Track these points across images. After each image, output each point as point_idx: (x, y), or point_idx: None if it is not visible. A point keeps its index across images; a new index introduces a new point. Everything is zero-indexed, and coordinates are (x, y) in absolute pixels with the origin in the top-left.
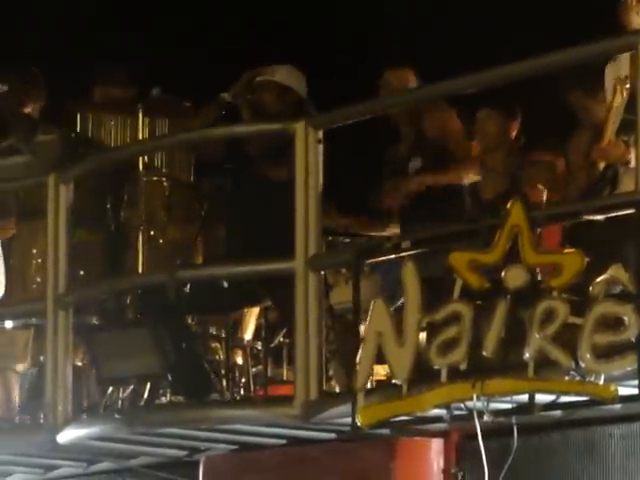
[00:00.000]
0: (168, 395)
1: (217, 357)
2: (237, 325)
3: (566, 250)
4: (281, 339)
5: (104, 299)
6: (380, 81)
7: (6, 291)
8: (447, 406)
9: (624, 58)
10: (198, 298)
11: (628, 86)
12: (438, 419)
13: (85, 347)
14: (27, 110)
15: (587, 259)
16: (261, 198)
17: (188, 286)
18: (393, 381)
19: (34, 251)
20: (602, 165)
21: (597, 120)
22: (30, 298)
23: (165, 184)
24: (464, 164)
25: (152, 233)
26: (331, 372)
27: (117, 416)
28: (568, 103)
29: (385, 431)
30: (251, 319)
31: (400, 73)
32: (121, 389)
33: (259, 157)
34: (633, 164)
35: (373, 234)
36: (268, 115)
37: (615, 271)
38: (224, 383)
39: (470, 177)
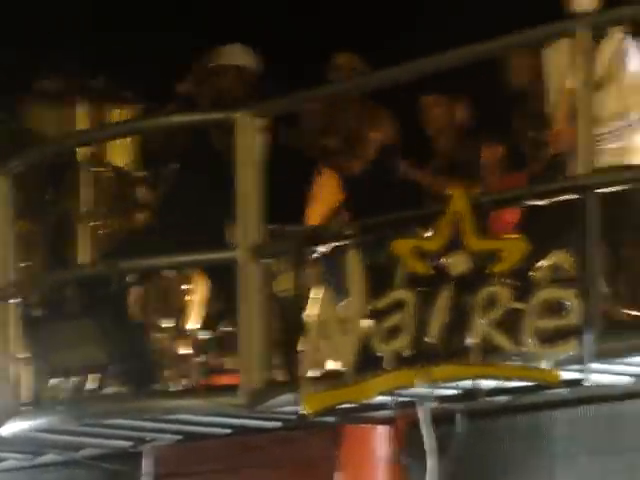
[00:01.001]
0: (113, 386)
1: (161, 347)
2: (181, 314)
3: (509, 236)
4: (224, 328)
5: (47, 290)
6: (329, 65)
7: None
8: (392, 393)
9: (565, 42)
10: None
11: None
12: (383, 406)
13: (29, 339)
14: None
15: (531, 245)
16: (205, 188)
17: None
18: (338, 369)
19: None
20: (551, 151)
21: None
22: None
23: (107, 174)
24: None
25: (93, 224)
26: (275, 360)
27: (62, 407)
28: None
29: (330, 419)
30: (195, 308)
31: (348, 57)
32: (65, 380)
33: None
34: None
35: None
36: (231, 99)
37: (558, 256)
38: (169, 373)
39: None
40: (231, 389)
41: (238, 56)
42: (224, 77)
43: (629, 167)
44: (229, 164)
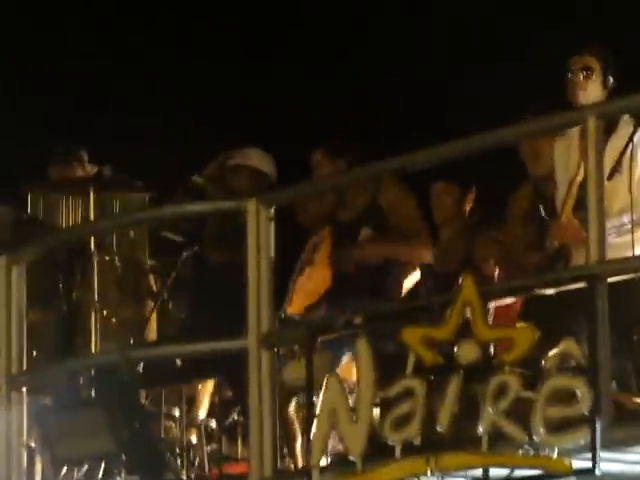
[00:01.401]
0: (123, 475)
1: (171, 436)
2: (191, 403)
3: (518, 325)
4: (235, 417)
5: (59, 379)
6: (312, 161)
7: None
8: None
9: (573, 132)
10: (152, 374)
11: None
12: None
13: (39, 427)
14: None
15: (539, 333)
16: (215, 277)
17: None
18: (348, 457)
19: None
20: (556, 244)
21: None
22: None
23: (117, 263)
24: (417, 240)
25: (105, 312)
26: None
27: None
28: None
29: None
30: (205, 397)
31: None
32: (76, 469)
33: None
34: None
35: None
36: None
37: (567, 345)
38: (179, 462)
39: (422, 255)
40: (241, 478)
41: (257, 159)
42: (240, 176)
43: (635, 257)
44: (240, 253)
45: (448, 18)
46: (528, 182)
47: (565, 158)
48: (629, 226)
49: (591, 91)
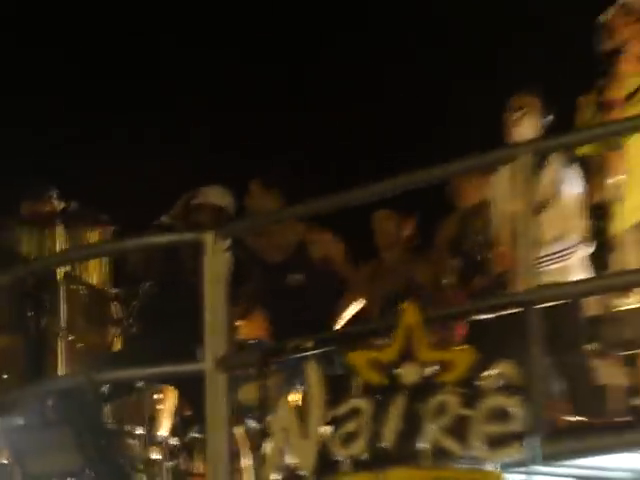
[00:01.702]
0: None
1: (134, 452)
2: (153, 422)
3: (458, 347)
4: (194, 434)
5: (27, 400)
6: (250, 192)
7: None
8: None
9: (508, 168)
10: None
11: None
12: None
13: (10, 445)
14: None
15: (478, 355)
16: (174, 303)
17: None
18: (299, 472)
19: None
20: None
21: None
22: None
23: (83, 292)
24: (352, 292)
25: (71, 338)
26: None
27: None
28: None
29: None
30: (166, 416)
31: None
32: None
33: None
34: None
35: None
36: None
37: (503, 366)
38: (141, 477)
39: (356, 304)
40: None
41: (220, 197)
42: (202, 214)
43: (566, 283)
44: (197, 282)
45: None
46: (456, 212)
47: (500, 191)
48: (562, 254)
49: (526, 129)
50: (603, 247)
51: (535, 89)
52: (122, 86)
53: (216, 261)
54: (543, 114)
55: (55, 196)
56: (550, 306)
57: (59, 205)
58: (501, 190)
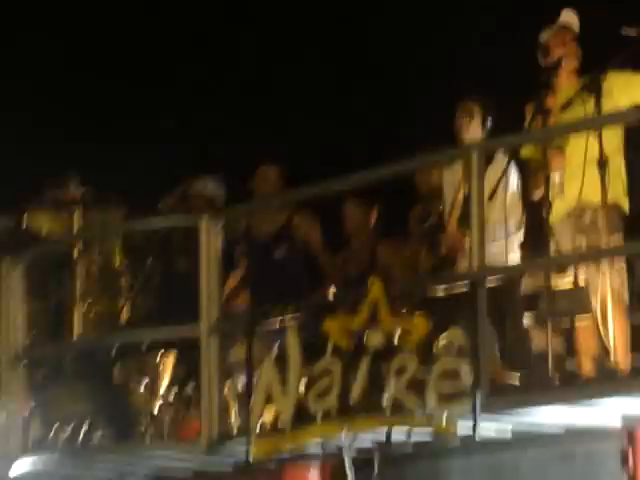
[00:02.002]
0: (101, 431)
1: (139, 403)
2: (155, 378)
3: (415, 316)
4: (190, 390)
5: (50, 357)
6: (255, 178)
7: None
8: (323, 442)
9: (458, 165)
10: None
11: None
12: (314, 454)
13: (35, 394)
14: None
15: (432, 323)
16: (177, 276)
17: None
18: (279, 423)
19: None
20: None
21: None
22: None
23: (96, 266)
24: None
25: (86, 305)
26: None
27: (61, 450)
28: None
29: (273, 463)
30: (166, 374)
31: (270, 170)
32: (64, 428)
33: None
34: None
35: None
36: None
37: (453, 333)
38: (145, 425)
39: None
40: (193, 439)
41: (213, 188)
42: (197, 202)
43: (511, 265)
44: (194, 259)
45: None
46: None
47: (451, 183)
48: (503, 235)
49: (472, 131)
50: (542, 234)
51: (480, 96)
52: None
53: (210, 241)
54: (487, 118)
55: (76, 184)
56: (494, 282)
57: (78, 190)
58: (452, 182)
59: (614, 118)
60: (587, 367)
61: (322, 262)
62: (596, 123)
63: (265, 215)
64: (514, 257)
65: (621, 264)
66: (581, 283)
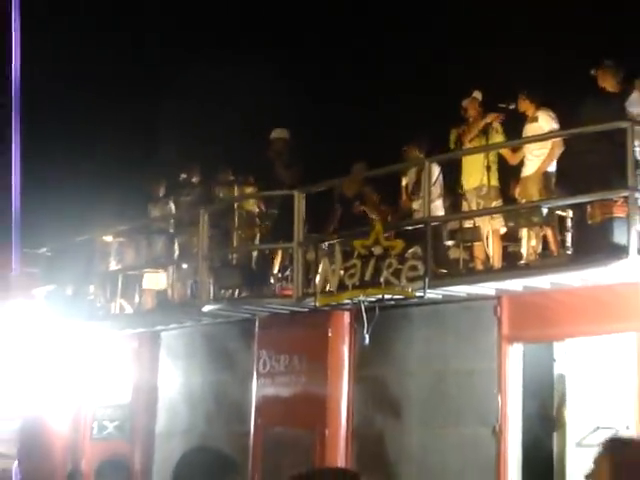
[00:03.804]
0: (245, 293)
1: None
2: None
3: (396, 240)
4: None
5: (221, 257)
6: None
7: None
8: (351, 299)
9: (412, 169)
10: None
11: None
12: (346, 305)
13: (214, 274)
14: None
15: (405, 243)
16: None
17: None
18: (330, 288)
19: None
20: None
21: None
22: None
23: (244, 213)
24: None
25: (241, 232)
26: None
27: (226, 302)
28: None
29: (327, 308)
30: (277, 260)
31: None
32: (226, 291)
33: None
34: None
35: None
36: (278, 153)
37: (414, 248)
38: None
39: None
40: (290, 296)
41: (281, 133)
42: (276, 144)
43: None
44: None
45: None
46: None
47: (409, 178)
48: (435, 205)
49: (415, 155)
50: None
51: (423, 139)
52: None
53: (299, 206)
54: (424, 146)
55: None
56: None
57: (229, 175)
58: (409, 178)
59: (496, 146)
60: (478, 265)
61: (369, 213)
62: (487, 149)
63: (349, 185)
64: (440, 212)
65: (499, 217)
66: (478, 224)
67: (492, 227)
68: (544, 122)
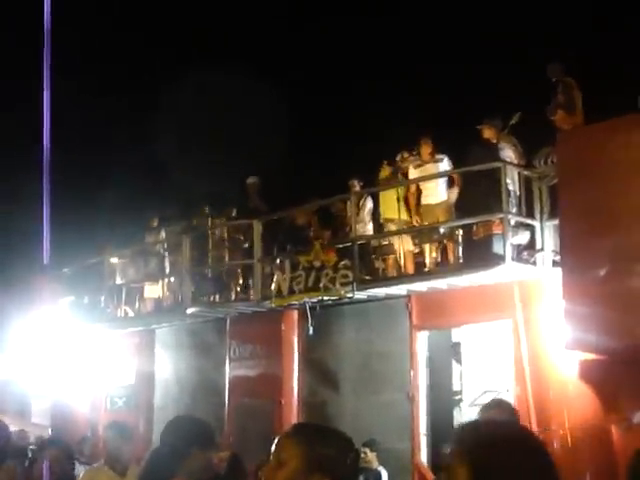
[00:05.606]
0: (217, 297)
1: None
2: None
3: (331, 254)
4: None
5: (200, 271)
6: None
7: None
8: (298, 301)
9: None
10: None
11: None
12: (294, 306)
13: (195, 283)
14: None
15: (337, 257)
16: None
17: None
18: (282, 292)
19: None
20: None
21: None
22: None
23: (214, 239)
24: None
25: (214, 255)
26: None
27: (211, 304)
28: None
29: (280, 308)
30: (241, 273)
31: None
32: (206, 297)
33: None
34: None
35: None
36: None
37: (345, 261)
38: (231, 292)
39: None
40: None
41: (253, 179)
42: (251, 187)
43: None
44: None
45: None
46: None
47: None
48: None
49: (356, 187)
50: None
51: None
52: None
53: (257, 231)
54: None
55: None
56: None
57: (205, 210)
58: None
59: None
60: (393, 272)
61: (313, 235)
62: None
63: (299, 214)
64: (369, 231)
65: (408, 236)
66: (392, 241)
67: (403, 244)
68: (443, 163)
